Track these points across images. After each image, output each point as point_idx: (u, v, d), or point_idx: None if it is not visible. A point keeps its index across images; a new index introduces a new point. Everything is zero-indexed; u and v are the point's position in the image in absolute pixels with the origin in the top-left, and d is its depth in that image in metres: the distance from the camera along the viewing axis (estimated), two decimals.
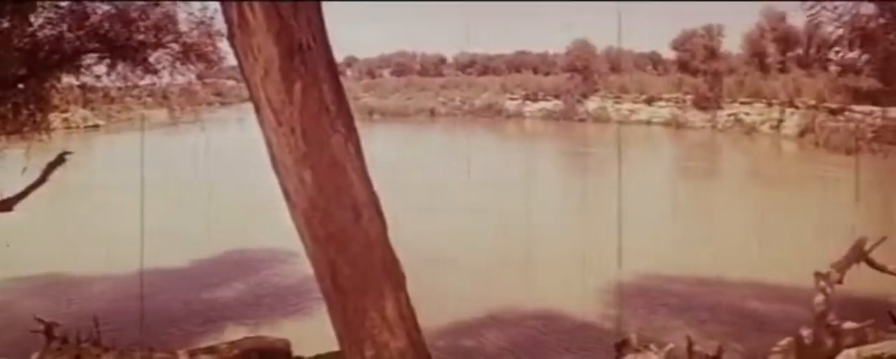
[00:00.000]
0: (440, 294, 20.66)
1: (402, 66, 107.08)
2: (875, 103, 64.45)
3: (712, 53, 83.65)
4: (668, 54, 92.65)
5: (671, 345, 11.92)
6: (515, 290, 22.86)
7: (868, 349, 10.75)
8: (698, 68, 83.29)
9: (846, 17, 11.74)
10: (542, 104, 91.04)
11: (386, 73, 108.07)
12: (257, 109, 5.45)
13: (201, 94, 28.95)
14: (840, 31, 11.99)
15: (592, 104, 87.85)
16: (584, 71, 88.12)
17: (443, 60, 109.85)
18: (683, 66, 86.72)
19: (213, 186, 36.37)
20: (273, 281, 24.69)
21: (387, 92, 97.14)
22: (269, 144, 5.49)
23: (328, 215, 5.54)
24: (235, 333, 18.34)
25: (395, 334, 5.86)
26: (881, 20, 11.25)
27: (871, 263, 13.63)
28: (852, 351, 10.67)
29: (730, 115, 79.51)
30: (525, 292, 22.68)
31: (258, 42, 5.22)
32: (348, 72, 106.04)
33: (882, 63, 11.68)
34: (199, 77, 17.26)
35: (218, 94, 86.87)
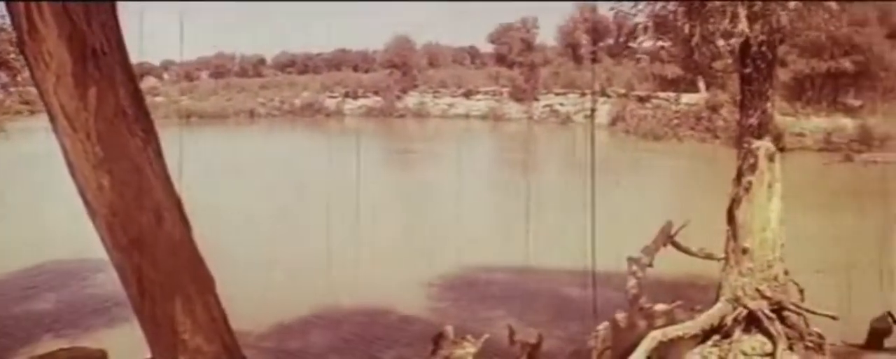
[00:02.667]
0: (265, 296, 20.45)
1: (220, 68, 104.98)
2: (679, 90, 67.11)
3: (528, 46, 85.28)
4: (486, 48, 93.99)
5: (487, 335, 12.10)
6: (340, 288, 22.76)
7: (672, 330, 11.15)
8: (515, 61, 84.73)
9: (643, 6, 12.14)
10: (362, 101, 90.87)
11: (204, 75, 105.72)
12: (52, 117, 5.26)
13: (6, 103, 27.61)
14: (642, 20, 12.37)
15: (412, 100, 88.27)
16: (403, 67, 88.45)
17: (262, 61, 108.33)
18: (500, 59, 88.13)
19: (24, 196, 34.96)
20: (89, 291, 23.90)
21: (205, 94, 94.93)
22: (66, 151, 5.31)
23: (129, 220, 5.41)
24: (55, 345, 17.68)
25: (207, 337, 5.78)
26: (677, 8, 11.67)
27: (678, 247, 14.15)
28: (658, 332, 11.07)
29: (545, 106, 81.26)
30: (350, 289, 22.60)
31: (49, 48, 5.03)
32: (165, 75, 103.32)
33: (681, 50, 12.12)
34: (3, 86, 16.54)
35: (26, 102, 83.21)
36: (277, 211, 34.07)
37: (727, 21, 10.75)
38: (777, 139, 47.90)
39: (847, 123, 62.74)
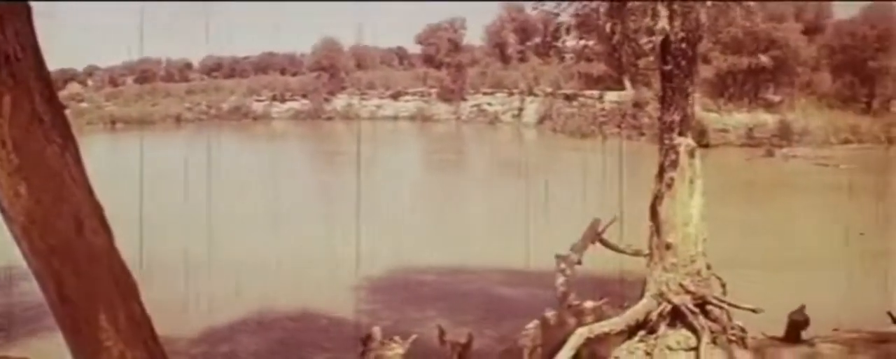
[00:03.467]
0: (195, 301, 20.24)
1: (146, 73, 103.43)
2: (605, 88, 67.81)
3: (456, 46, 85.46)
4: (414, 49, 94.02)
5: (414, 336, 12.10)
6: (270, 292, 22.60)
7: (599, 327, 11.23)
8: (443, 61, 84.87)
9: (565, 5, 12.24)
10: (289, 104, 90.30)
11: (129, 80, 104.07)
12: None
13: None
14: (569, 19, 12.46)
15: (340, 102, 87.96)
16: (330, 69, 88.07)
17: (188, 65, 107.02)
18: (428, 59, 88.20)
19: None
20: (15, 300, 23.43)
21: (130, 100, 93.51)
22: None
23: (48, 228, 5.31)
24: None
25: (130, 344, 5.68)
26: (599, 6, 11.79)
27: (606, 243, 14.27)
28: (584, 329, 11.14)
29: (473, 106, 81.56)
30: (279, 293, 22.46)
31: None
32: (90, 81, 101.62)
33: (605, 49, 12.23)
34: None
35: None
36: (204, 216, 33.68)
37: (648, 19, 10.87)
38: (701, 135, 48.94)
39: (768, 118, 63.93)
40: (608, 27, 11.55)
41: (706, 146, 57.61)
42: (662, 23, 10.73)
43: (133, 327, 5.75)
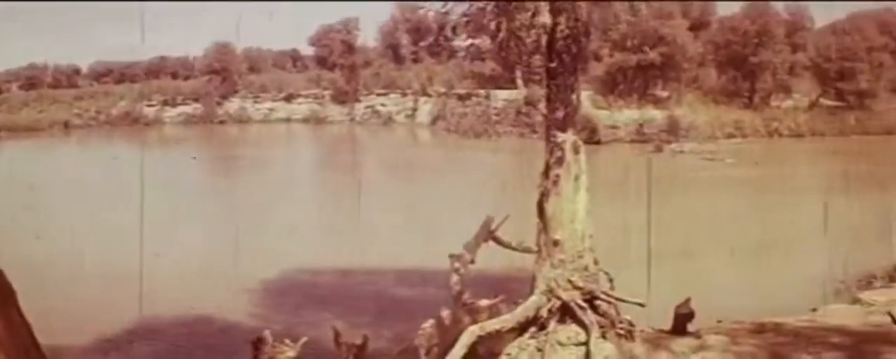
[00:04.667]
0: (85, 309, 19.83)
1: (32, 80, 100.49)
2: (498, 87, 68.28)
3: (349, 47, 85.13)
4: (308, 51, 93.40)
5: (305, 338, 12.03)
6: (162, 297, 22.19)
7: (490, 324, 11.28)
8: (336, 63, 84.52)
9: (452, 5, 12.25)
10: (181, 109, 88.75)
11: (14, 87, 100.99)
12: None
13: None
14: (458, 19, 12.46)
15: (232, 105, 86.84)
16: (223, 72, 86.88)
17: (77, 71, 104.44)
18: (322, 61, 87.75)
19: None
20: None
21: (15, 107, 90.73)
22: None
23: None
24: None
25: (8, 353, 5.54)
26: (486, 5, 11.81)
27: (499, 241, 14.35)
28: (475, 327, 11.17)
29: (367, 107, 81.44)
30: (172, 299, 22.06)
31: None
32: None
33: (495, 48, 12.27)
34: None
35: None
36: (95, 222, 33.00)
37: (530, 15, 10.93)
38: (592, 132, 49.82)
39: (656, 114, 65.11)
40: (493, 25, 11.60)
41: (597, 143, 58.70)
42: (544, 19, 10.81)
43: (11, 335, 5.61)
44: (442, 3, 12.60)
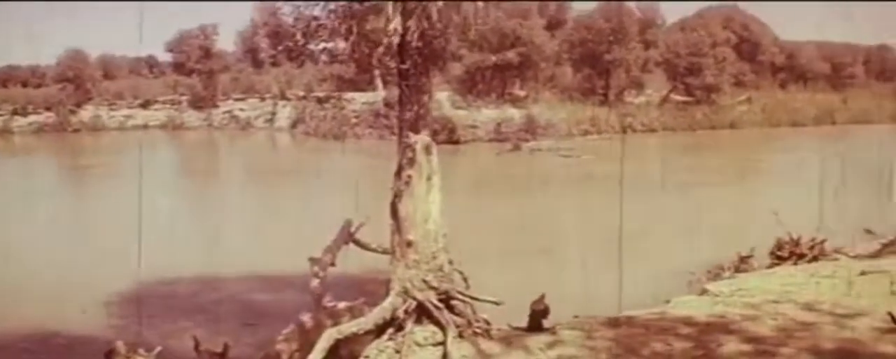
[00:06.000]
0: None
1: None
2: (357, 89, 68.30)
3: (207, 53, 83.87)
4: (165, 56, 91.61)
5: (159, 348, 11.87)
6: (12, 313, 21.49)
7: (347, 327, 11.31)
8: (193, 68, 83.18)
9: (307, 7, 12.21)
10: (32, 118, 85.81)
11: None
12: None
13: None
14: (313, 23, 12.40)
15: (86, 113, 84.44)
16: (76, 80, 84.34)
17: None
18: (179, 67, 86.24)
19: None
20: None
21: None
22: None
23: None
24: None
25: None
26: (338, 8, 11.81)
27: (359, 244, 14.39)
28: (333, 330, 11.19)
29: (225, 112, 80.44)
30: (24, 314, 21.38)
31: None
32: None
33: (351, 52, 12.27)
34: None
35: None
36: None
37: (382, 18, 10.96)
38: (451, 132, 50.23)
39: (514, 113, 66.01)
40: (344, 29, 11.62)
41: (456, 143, 59.31)
42: (393, 24, 10.86)
43: None
44: (293, 7, 12.55)
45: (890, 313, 12.01)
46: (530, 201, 36.61)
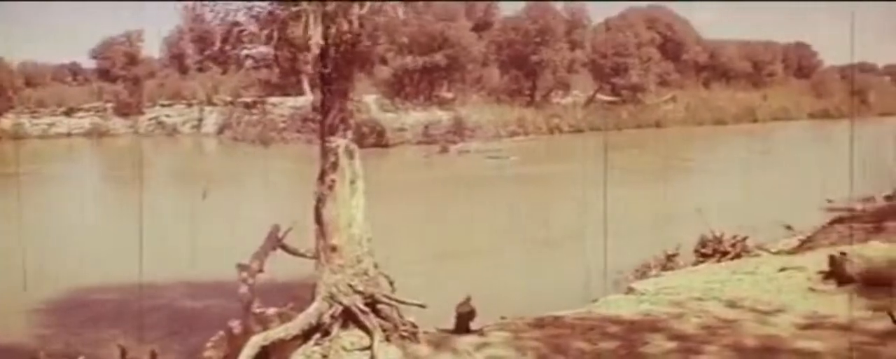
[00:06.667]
0: None
1: None
2: (285, 94, 67.92)
3: (132, 59, 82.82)
4: (89, 63, 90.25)
5: (82, 357, 11.76)
6: None
7: (274, 333, 11.29)
8: (119, 75, 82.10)
9: (225, 12, 12.13)
10: None
11: None
12: None
13: None
14: (247, 28, 12.32)
15: (7, 121, 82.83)
16: None
17: None
18: (104, 74, 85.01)
19: None
20: None
21: None
22: None
23: None
24: None
25: None
26: (259, 13, 11.75)
27: (287, 249, 14.35)
28: (259, 337, 11.16)
29: (151, 118, 79.44)
30: None
31: None
32: None
33: (274, 57, 12.22)
34: None
35: None
36: None
37: (302, 25, 10.93)
38: (380, 135, 50.10)
39: (442, 115, 66.17)
40: (265, 35, 11.57)
41: (385, 146, 59.32)
42: (315, 29, 10.84)
43: None
44: (214, 14, 12.46)
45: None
46: (459, 203, 36.76)
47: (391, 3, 11.70)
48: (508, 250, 25.37)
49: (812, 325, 12.13)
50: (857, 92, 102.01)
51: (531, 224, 29.10)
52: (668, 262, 20.36)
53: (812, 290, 14.06)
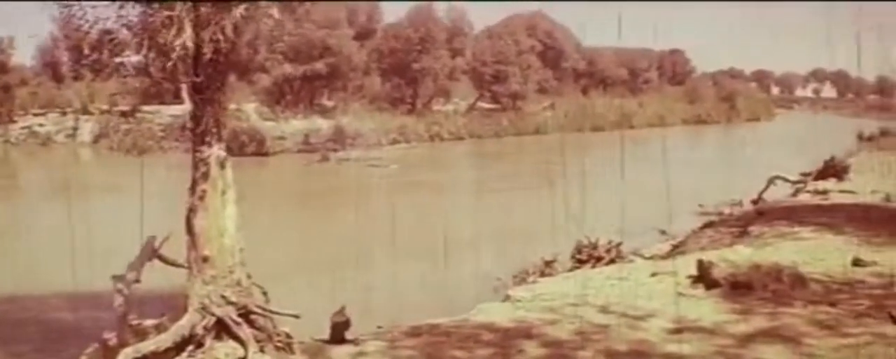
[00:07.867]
0: None
1: None
2: (162, 102, 66.90)
3: (3, 67, 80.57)
4: None
5: None
6: None
7: (145, 345, 11.13)
8: None
9: (97, 20, 11.89)
10: None
11: None
12: None
13: None
14: (117, 36, 12.07)
15: None
16: None
17: None
18: None
19: None
20: None
21: None
22: None
23: None
24: None
25: None
26: (129, 21, 11.54)
27: (164, 259, 14.15)
28: (130, 349, 10.98)
29: (23, 127, 77.36)
30: None
31: None
32: None
33: (144, 65, 12.01)
34: None
35: None
36: None
37: (172, 32, 10.75)
38: (260, 144, 49.76)
39: (323, 123, 66.04)
40: (135, 42, 11.39)
41: (265, 155, 58.90)
42: (187, 40, 10.69)
43: None
44: (84, 21, 12.19)
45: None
46: (338, 212, 36.68)
47: (267, 9, 11.60)
48: (387, 259, 25.40)
49: (680, 329, 12.44)
50: (725, 98, 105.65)
51: (411, 232, 29.16)
52: (546, 268, 20.61)
53: (681, 294, 14.41)
